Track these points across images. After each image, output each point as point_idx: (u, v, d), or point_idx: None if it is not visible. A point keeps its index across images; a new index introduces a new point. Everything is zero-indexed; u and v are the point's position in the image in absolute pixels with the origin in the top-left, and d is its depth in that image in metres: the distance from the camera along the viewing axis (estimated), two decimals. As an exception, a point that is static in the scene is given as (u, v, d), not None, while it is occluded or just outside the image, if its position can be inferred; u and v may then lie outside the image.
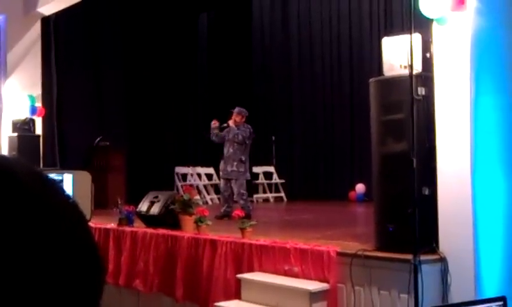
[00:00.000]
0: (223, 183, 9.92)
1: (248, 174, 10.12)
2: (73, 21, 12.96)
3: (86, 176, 3.91)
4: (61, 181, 3.89)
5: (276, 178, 14.77)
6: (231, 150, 9.71)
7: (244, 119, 9.90)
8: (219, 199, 14.03)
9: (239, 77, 15.63)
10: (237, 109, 9.93)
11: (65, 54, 12.54)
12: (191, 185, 12.04)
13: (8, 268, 0.59)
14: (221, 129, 9.89)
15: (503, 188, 5.14)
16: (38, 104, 11.61)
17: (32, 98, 11.49)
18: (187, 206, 7.49)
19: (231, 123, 9.81)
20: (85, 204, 3.68)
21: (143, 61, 14.06)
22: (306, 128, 15.14)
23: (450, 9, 5.11)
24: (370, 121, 5.81)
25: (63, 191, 0.69)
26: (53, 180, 0.70)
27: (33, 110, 11.48)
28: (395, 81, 5.48)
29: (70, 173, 3.87)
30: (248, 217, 9.07)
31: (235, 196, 9.69)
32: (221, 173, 10.01)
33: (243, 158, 9.69)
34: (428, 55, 5.32)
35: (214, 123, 9.88)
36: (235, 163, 9.63)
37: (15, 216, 0.61)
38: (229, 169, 9.70)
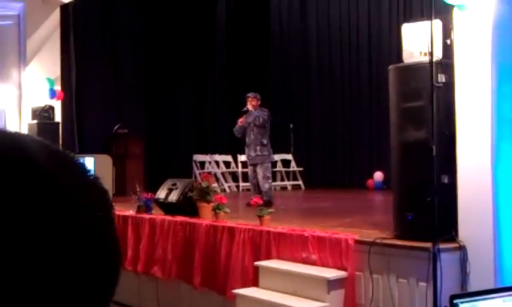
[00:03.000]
0: (250, 171, 10.00)
1: (273, 157, 10.26)
2: (92, 8, 12.99)
3: (107, 160, 3.95)
4: None
5: (294, 166, 14.75)
6: (252, 136, 9.78)
7: (259, 103, 9.99)
8: (237, 187, 14.08)
9: (256, 64, 15.60)
10: (251, 94, 10.03)
11: (84, 41, 12.57)
12: (209, 173, 12.05)
13: (18, 255, 0.56)
14: (242, 114, 9.94)
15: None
16: (57, 88, 11.66)
17: (51, 82, 11.53)
18: (205, 193, 7.50)
19: (250, 107, 9.87)
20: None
21: (161, 48, 14.06)
22: (325, 116, 15.07)
23: (471, -5, 5.05)
24: (389, 109, 5.77)
25: (84, 170, 0.66)
26: (73, 158, 0.66)
27: (52, 94, 11.51)
28: (415, 68, 5.43)
29: (92, 156, 3.90)
30: (269, 203, 9.21)
31: (260, 180, 9.75)
32: (247, 159, 10.06)
33: (264, 142, 9.77)
34: (448, 42, 5.27)
35: (242, 121, 9.88)
36: (258, 147, 9.72)
37: (24, 198, 0.58)
38: (253, 154, 9.79)
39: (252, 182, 9.99)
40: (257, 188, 9.79)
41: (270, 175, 9.95)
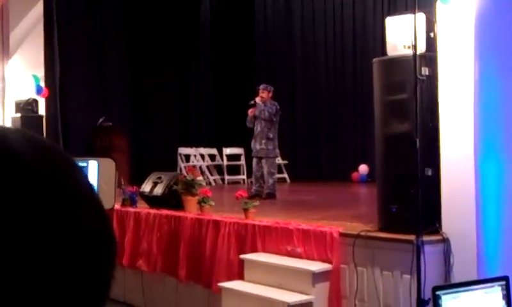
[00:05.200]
0: (254, 163, 9.98)
1: (277, 151, 10.28)
2: (76, 1, 12.90)
3: (110, 164, 3.94)
4: (86, 167, 3.94)
5: (279, 159, 14.75)
6: (259, 128, 9.80)
7: (270, 95, 9.98)
8: (222, 180, 14.08)
9: (241, 59, 15.58)
10: (262, 86, 10.05)
11: (68, 33, 12.48)
12: (194, 166, 12.05)
13: (6, 262, 0.55)
14: (249, 106, 9.89)
15: (506, 169, 5.13)
16: (42, 84, 11.60)
17: (36, 79, 11.47)
18: (190, 186, 7.49)
19: (258, 100, 9.85)
20: (109, 191, 3.72)
21: (145, 41, 14.01)
22: (309, 109, 15.10)
23: (455, -11, 5.07)
24: (373, 102, 5.79)
25: (70, 159, 0.64)
26: (58, 148, 0.64)
27: (39, 90, 11.46)
28: (399, 61, 5.45)
29: (95, 160, 3.90)
30: (272, 196, 9.27)
31: (265, 175, 9.78)
32: (252, 151, 10.05)
33: (271, 136, 9.77)
34: (432, 35, 5.29)
35: (251, 112, 9.85)
36: (263, 141, 9.73)
37: (10, 190, 0.57)
38: (258, 147, 9.80)
39: (255, 175, 9.97)
40: (260, 181, 9.80)
41: (275, 171, 10.06)
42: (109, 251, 0.63)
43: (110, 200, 3.78)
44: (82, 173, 0.64)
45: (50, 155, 0.62)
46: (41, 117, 11.63)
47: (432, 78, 5.28)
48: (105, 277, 0.63)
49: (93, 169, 3.95)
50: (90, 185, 0.65)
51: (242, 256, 6.34)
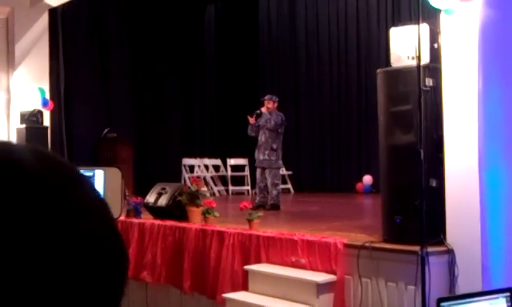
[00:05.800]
0: (258, 174, 9.94)
1: (281, 163, 10.20)
2: (81, 12, 12.96)
3: (116, 173, 3.93)
4: (92, 177, 3.94)
5: (283, 170, 14.75)
6: (263, 138, 9.76)
7: (276, 105, 9.97)
8: (226, 190, 14.07)
9: (245, 68, 15.61)
10: (267, 96, 10.07)
11: (73, 45, 12.53)
12: (198, 177, 12.05)
13: (12, 275, 0.54)
14: (256, 116, 9.87)
15: (510, 180, 5.12)
16: (48, 97, 11.65)
17: (42, 91, 11.52)
18: (194, 197, 7.49)
19: (264, 110, 9.87)
20: (116, 201, 3.70)
21: (150, 52, 14.05)
22: (313, 120, 15.10)
23: (458, 0, 5.08)
24: (377, 113, 5.80)
25: (82, 179, 0.63)
26: (69, 165, 0.63)
27: (45, 103, 11.51)
28: (403, 72, 5.46)
29: (101, 169, 3.89)
30: (276, 207, 9.23)
31: (268, 186, 9.75)
32: (256, 161, 10.03)
33: (274, 146, 9.73)
34: (436, 46, 5.30)
35: (252, 120, 9.85)
36: (267, 151, 9.69)
37: (20, 210, 0.56)
38: (261, 157, 9.76)
39: (259, 185, 9.93)
40: (263, 192, 9.77)
41: (279, 182, 10.01)
42: (119, 265, 0.62)
43: (116, 210, 3.78)
44: (90, 185, 0.64)
45: (56, 167, 0.62)
46: (46, 128, 11.65)
47: (436, 89, 5.29)
48: (114, 292, 0.61)
49: (99, 179, 3.95)
50: (99, 197, 0.64)
51: (246, 267, 6.33)
